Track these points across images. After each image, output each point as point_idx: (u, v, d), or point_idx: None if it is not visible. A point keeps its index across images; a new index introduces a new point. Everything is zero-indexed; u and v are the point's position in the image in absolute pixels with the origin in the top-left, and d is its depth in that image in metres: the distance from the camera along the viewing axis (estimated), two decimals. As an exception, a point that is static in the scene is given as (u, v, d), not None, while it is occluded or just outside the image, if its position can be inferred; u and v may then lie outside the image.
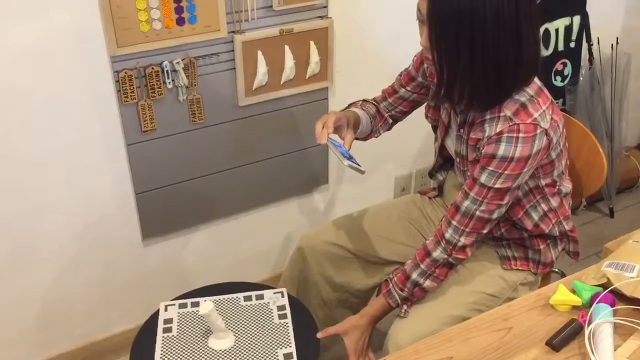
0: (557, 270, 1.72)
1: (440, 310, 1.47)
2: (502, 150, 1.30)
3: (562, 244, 1.58)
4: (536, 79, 1.36)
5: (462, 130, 1.43)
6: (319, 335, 1.52)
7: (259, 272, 2.23)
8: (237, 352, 1.45)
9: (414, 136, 2.25)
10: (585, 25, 2.45)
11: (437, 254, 1.42)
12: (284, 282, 1.78)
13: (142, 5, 1.58)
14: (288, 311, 1.55)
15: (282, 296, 1.60)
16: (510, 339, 1.18)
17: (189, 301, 1.60)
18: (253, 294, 1.61)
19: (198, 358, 1.44)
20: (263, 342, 1.47)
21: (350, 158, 1.41)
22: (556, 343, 1.14)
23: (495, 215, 1.38)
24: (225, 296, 1.61)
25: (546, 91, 1.37)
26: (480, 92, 1.31)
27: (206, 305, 1.39)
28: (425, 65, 1.55)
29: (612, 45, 2.54)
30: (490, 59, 1.26)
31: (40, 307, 1.87)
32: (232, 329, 1.50)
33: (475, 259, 1.56)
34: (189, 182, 1.91)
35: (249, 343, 1.47)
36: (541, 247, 1.53)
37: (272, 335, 1.49)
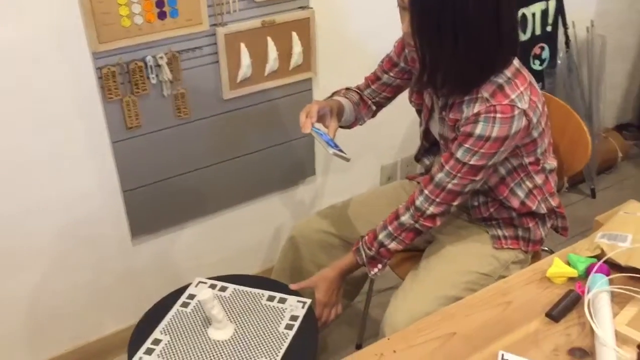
0: (546, 248, 1.75)
1: (435, 291, 1.48)
2: (479, 129, 1.32)
3: (551, 221, 1.60)
4: (515, 61, 1.38)
5: (444, 113, 1.44)
6: (292, 286, 1.54)
7: (250, 267, 2.23)
8: (224, 347, 1.41)
9: (399, 125, 2.26)
10: (560, 9, 2.49)
11: (405, 218, 1.47)
12: (277, 274, 1.78)
13: (123, 0, 1.57)
14: (297, 324, 1.46)
15: (303, 307, 1.51)
16: (510, 312, 1.19)
17: (220, 284, 1.58)
18: (278, 295, 1.55)
19: (191, 339, 1.43)
20: (253, 346, 1.41)
21: (335, 146, 1.42)
22: (556, 314, 1.16)
23: (467, 189, 1.41)
24: (252, 290, 1.56)
25: (525, 72, 1.39)
26: (462, 76, 1.33)
27: (205, 292, 1.38)
28: (407, 51, 1.56)
29: (587, 28, 2.57)
30: (472, 43, 1.27)
31: (27, 311, 1.84)
32: (237, 324, 1.48)
33: (467, 239, 1.58)
34: (177, 177, 1.89)
35: (240, 343, 1.42)
36: (530, 225, 1.55)
37: (266, 342, 1.42)
